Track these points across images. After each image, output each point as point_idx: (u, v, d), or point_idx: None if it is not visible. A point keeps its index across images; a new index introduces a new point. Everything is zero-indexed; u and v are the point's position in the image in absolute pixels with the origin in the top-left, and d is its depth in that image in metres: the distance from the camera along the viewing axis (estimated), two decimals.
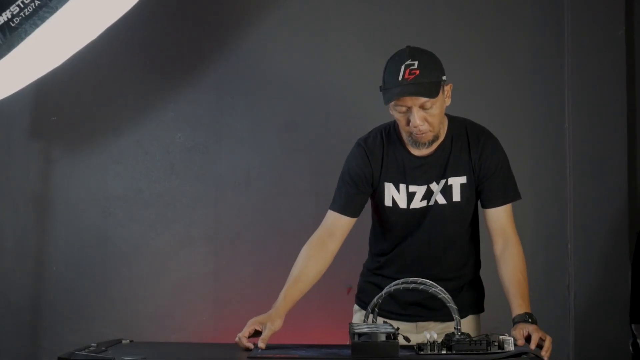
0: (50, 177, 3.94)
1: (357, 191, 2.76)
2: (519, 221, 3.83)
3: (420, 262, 2.74)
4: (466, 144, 2.77)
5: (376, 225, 2.85)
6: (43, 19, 3.13)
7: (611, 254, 3.75)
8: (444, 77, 2.69)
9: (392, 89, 2.62)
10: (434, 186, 2.72)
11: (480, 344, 2.27)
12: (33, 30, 3.13)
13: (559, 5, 3.88)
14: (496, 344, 2.29)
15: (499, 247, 2.79)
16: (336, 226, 2.74)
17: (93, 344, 2.47)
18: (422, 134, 2.65)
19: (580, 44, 3.85)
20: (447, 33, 3.93)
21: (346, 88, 3.93)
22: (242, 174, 3.92)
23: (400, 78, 2.66)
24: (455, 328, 2.31)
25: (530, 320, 2.53)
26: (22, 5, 3.10)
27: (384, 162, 2.75)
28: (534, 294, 3.78)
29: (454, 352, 2.27)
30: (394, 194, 2.73)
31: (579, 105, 3.83)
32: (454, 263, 2.79)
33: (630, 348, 3.12)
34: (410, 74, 2.66)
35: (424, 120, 2.63)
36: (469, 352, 2.26)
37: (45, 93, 3.91)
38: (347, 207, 2.75)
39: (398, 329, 2.33)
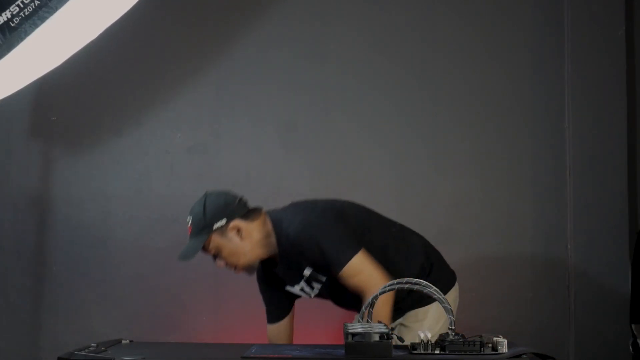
0: (50, 177, 3.94)
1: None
2: (519, 221, 3.87)
3: None
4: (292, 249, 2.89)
5: None
6: (43, 19, 3.13)
7: (611, 254, 3.75)
8: (219, 223, 2.87)
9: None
10: (298, 287, 2.99)
11: (474, 345, 2.28)
12: (33, 30, 3.13)
13: (559, 5, 3.88)
14: (490, 345, 2.29)
15: None
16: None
17: (93, 344, 2.47)
18: (233, 270, 2.95)
19: (580, 44, 3.85)
20: (447, 33, 3.94)
21: (346, 88, 3.93)
22: (242, 174, 3.92)
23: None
24: (449, 328, 2.31)
25: None
26: (21, 5, 3.10)
27: None
28: (534, 294, 3.82)
29: (447, 352, 2.27)
30: None
31: (579, 105, 3.83)
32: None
33: (630, 348, 3.12)
34: (189, 229, 2.93)
35: (224, 262, 2.93)
36: (462, 353, 2.26)
37: (45, 93, 3.92)
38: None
39: (393, 329, 2.33)
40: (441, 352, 2.28)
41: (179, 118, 3.96)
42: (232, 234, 2.88)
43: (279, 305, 3.11)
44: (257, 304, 3.27)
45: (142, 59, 3.99)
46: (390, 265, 2.81)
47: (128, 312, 3.86)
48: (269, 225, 2.91)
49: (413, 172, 3.89)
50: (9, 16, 3.10)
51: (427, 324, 2.87)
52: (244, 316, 3.29)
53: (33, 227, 3.92)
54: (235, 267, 2.94)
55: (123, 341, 2.69)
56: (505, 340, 2.30)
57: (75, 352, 2.35)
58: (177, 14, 4.00)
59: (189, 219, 2.94)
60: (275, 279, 3.03)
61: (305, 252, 2.81)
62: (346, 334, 2.28)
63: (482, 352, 2.27)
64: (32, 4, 3.10)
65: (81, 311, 3.87)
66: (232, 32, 3.97)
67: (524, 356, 2.27)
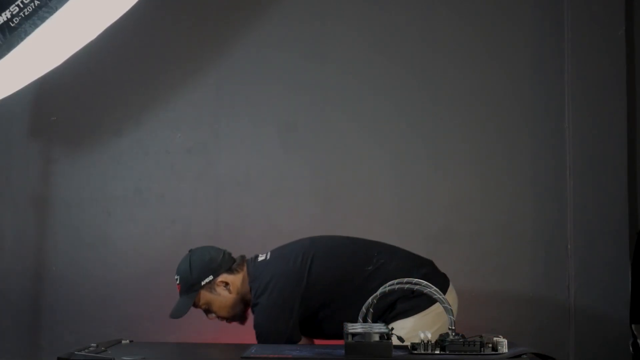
0: (50, 177, 3.94)
1: None
2: (519, 221, 3.87)
3: None
4: None
5: None
6: (43, 19, 3.13)
7: (611, 254, 3.75)
8: (206, 279, 3.01)
9: None
10: None
11: (474, 345, 2.28)
12: (33, 30, 3.13)
13: (559, 5, 3.88)
14: (490, 345, 2.29)
15: None
16: None
17: (93, 344, 2.48)
18: (224, 321, 3.09)
19: (580, 44, 3.84)
20: (447, 33, 3.93)
21: (346, 88, 3.93)
22: (242, 174, 3.92)
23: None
24: (449, 328, 2.31)
25: None
26: (21, 5, 3.10)
27: None
28: (534, 294, 3.82)
29: (447, 352, 2.27)
30: None
31: (579, 105, 3.83)
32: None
33: (630, 348, 3.11)
34: (178, 287, 3.07)
35: (214, 316, 3.07)
36: (462, 353, 2.26)
37: (45, 93, 3.92)
38: None
39: (392, 328, 2.33)
40: (441, 352, 2.28)
41: (179, 118, 3.96)
42: (220, 289, 3.04)
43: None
44: None
45: (142, 59, 3.98)
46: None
47: (128, 312, 3.86)
48: (247, 279, 3.04)
49: (413, 172, 3.88)
50: (9, 16, 3.10)
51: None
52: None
53: (33, 227, 3.92)
54: (227, 319, 3.09)
55: (123, 341, 2.69)
56: (505, 340, 2.30)
57: (75, 352, 2.35)
58: (177, 14, 3.99)
59: (177, 278, 3.07)
60: None
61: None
62: (346, 334, 2.28)
63: (482, 352, 2.27)
64: (32, 4, 3.10)
65: (81, 311, 3.87)
66: (232, 32, 3.97)
67: (524, 356, 2.27)
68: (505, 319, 3.76)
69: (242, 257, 3.11)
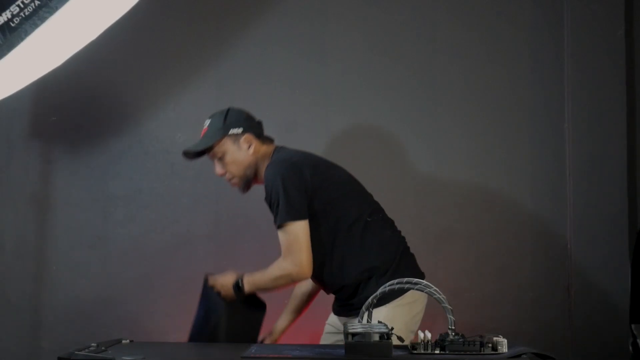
0: (50, 177, 3.94)
1: None
2: (519, 221, 3.87)
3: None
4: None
5: None
6: (43, 19, 3.13)
7: (611, 254, 3.75)
8: (235, 130, 3.08)
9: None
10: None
11: (474, 345, 2.28)
12: (33, 30, 3.13)
13: (559, 5, 3.88)
14: (490, 345, 2.30)
15: None
16: None
17: (93, 344, 2.48)
18: (229, 180, 3.15)
19: (580, 44, 3.85)
20: (446, 33, 3.94)
21: (346, 88, 3.93)
22: None
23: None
24: (449, 328, 2.31)
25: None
26: (22, 6, 3.10)
27: None
28: (534, 294, 3.82)
29: (447, 352, 2.27)
30: None
31: (578, 105, 3.83)
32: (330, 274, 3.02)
33: (630, 348, 3.11)
34: (203, 132, 3.15)
35: (223, 169, 3.13)
36: (462, 353, 2.27)
37: (45, 93, 3.92)
38: None
39: (392, 328, 2.34)
40: (441, 352, 2.28)
41: (179, 118, 3.96)
42: (243, 145, 3.10)
43: None
44: None
45: (142, 59, 3.98)
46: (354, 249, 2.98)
47: (128, 312, 3.86)
48: (270, 158, 3.10)
49: (413, 172, 3.89)
50: (9, 16, 3.11)
51: None
52: None
53: (33, 227, 3.92)
54: (232, 178, 3.14)
55: (123, 341, 2.69)
56: (505, 340, 2.31)
57: (75, 352, 2.35)
58: (177, 14, 3.99)
59: (207, 122, 3.14)
60: None
61: (266, 194, 3.01)
62: (346, 334, 2.28)
63: (482, 352, 2.27)
64: (33, 4, 3.11)
65: (81, 311, 3.87)
66: (232, 32, 3.97)
67: (524, 356, 2.27)
68: (505, 319, 3.76)
69: (273, 139, 3.20)
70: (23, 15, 3.11)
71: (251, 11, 3.98)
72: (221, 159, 3.12)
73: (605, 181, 3.79)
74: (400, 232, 3.13)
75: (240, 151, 3.10)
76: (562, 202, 3.83)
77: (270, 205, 2.99)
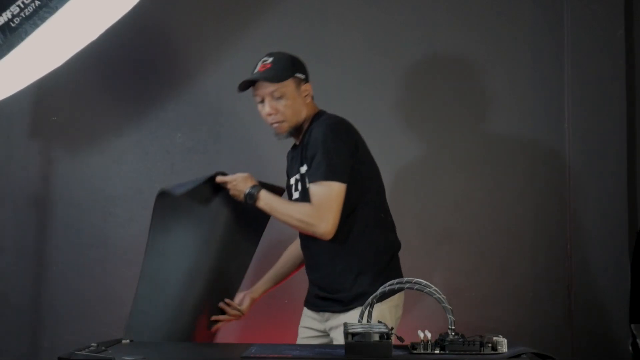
0: (50, 177, 3.94)
1: None
2: (518, 221, 3.87)
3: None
4: (307, 136, 2.97)
5: None
6: (43, 19, 3.13)
7: (611, 254, 3.75)
8: (300, 75, 2.99)
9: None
10: (292, 180, 3.05)
11: (474, 345, 2.28)
12: (33, 30, 3.13)
13: (559, 5, 3.88)
14: (490, 345, 2.30)
15: None
16: None
17: (93, 344, 2.47)
18: (276, 124, 2.99)
19: (580, 44, 3.85)
20: (447, 33, 3.94)
21: (346, 88, 3.93)
22: None
23: (254, 71, 3.03)
24: (449, 328, 2.31)
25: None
26: (22, 6, 3.10)
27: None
28: (534, 294, 3.82)
29: (447, 352, 2.27)
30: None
31: (578, 105, 3.84)
32: (321, 254, 2.97)
33: (630, 348, 3.11)
34: (262, 67, 3.02)
35: (276, 109, 2.97)
36: (462, 352, 2.27)
37: (45, 93, 3.91)
38: None
39: (392, 328, 2.34)
40: (441, 352, 2.28)
41: (179, 118, 3.96)
42: (304, 92, 3.02)
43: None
44: (256, 304, 3.27)
45: (142, 59, 3.98)
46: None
47: (128, 312, 3.85)
48: (312, 117, 3.05)
49: (413, 172, 3.89)
50: (10, 16, 3.11)
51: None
52: (243, 316, 3.29)
53: (33, 227, 3.92)
54: (282, 122, 3.00)
55: (123, 341, 2.69)
56: (505, 340, 2.30)
57: (75, 352, 2.35)
58: (177, 14, 3.99)
59: (268, 59, 3.03)
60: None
61: (309, 147, 2.91)
62: (346, 334, 2.28)
63: (482, 352, 2.27)
64: (33, 4, 3.11)
65: (81, 311, 3.87)
66: (233, 32, 3.97)
67: (524, 356, 2.27)
68: (505, 319, 3.76)
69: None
70: (23, 16, 3.11)
71: (251, 11, 3.98)
72: (279, 99, 2.98)
73: (605, 181, 3.79)
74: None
75: (299, 97, 3.01)
76: (562, 202, 3.83)
77: (310, 158, 2.89)
